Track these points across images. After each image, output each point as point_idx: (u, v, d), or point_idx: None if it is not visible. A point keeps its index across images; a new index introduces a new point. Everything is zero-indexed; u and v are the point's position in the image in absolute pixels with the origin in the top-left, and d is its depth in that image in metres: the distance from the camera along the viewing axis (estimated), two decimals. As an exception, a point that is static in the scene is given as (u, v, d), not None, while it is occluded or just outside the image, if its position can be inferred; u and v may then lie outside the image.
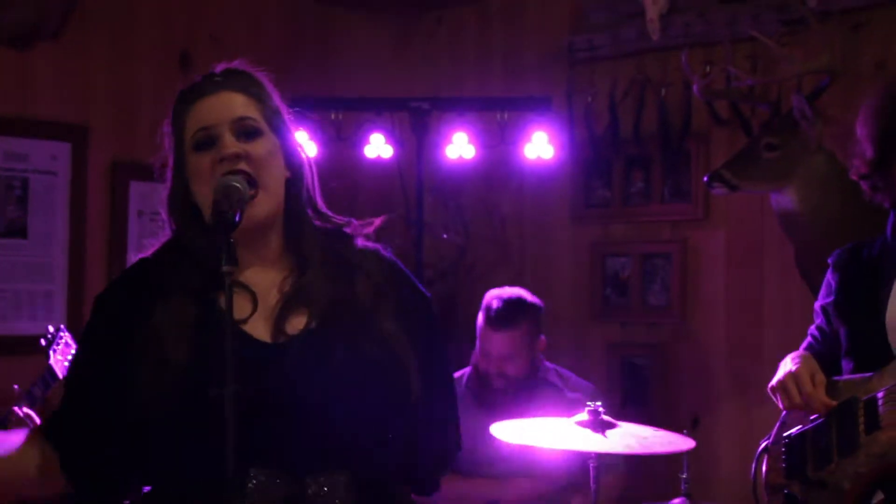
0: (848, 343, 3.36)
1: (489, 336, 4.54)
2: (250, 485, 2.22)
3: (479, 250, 5.84)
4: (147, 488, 2.39)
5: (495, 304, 4.54)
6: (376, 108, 5.25)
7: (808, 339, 3.50)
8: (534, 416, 4.14)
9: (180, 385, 2.23)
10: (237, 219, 2.19)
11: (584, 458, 3.79)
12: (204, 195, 2.32)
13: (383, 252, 2.51)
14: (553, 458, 4.34)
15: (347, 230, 2.48)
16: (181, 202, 2.38)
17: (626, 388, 5.38)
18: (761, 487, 3.36)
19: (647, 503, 4.40)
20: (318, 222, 2.46)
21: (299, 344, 2.29)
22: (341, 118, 5.20)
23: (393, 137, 5.25)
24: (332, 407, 2.24)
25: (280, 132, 2.41)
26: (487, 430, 3.88)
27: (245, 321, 2.30)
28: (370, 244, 2.50)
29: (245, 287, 2.33)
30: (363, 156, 5.27)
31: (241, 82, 2.41)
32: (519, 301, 4.56)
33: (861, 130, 3.27)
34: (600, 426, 3.64)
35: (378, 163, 5.33)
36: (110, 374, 2.32)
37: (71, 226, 5.20)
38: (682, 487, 4.17)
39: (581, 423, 3.66)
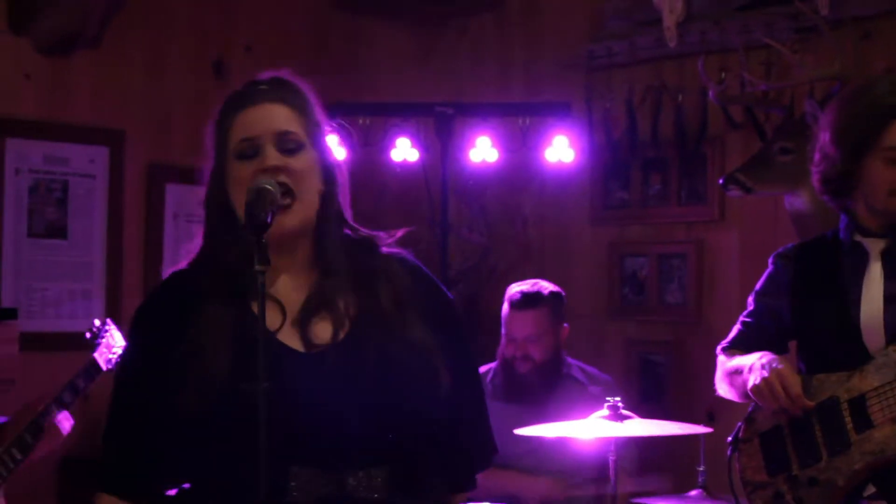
0: (806, 342, 3.34)
1: (513, 318, 4.57)
2: (292, 482, 2.23)
3: (501, 250, 5.85)
4: (187, 485, 2.40)
5: (518, 289, 4.60)
6: (402, 114, 5.26)
7: (739, 327, 3.47)
8: (557, 410, 4.16)
9: (222, 392, 2.24)
10: (269, 220, 2.20)
11: (605, 453, 3.80)
12: (241, 202, 2.31)
13: (407, 258, 2.51)
14: (577, 453, 4.35)
15: (374, 239, 2.49)
16: (218, 206, 2.39)
17: (643, 384, 5.38)
18: (738, 483, 3.34)
19: (665, 495, 4.40)
20: (347, 231, 2.46)
21: (333, 354, 2.30)
22: (368, 123, 5.20)
23: (418, 142, 5.25)
24: (367, 410, 2.26)
25: (319, 146, 2.40)
26: (513, 422, 3.89)
27: (278, 330, 2.32)
28: (394, 250, 2.50)
29: (273, 298, 2.33)
30: (390, 160, 5.27)
31: (286, 94, 2.41)
32: (540, 286, 4.62)
33: (824, 136, 3.27)
34: (619, 419, 3.66)
35: (404, 166, 5.33)
36: (154, 389, 2.32)
37: (109, 227, 5.23)
38: (699, 480, 4.18)
39: (603, 418, 3.68)
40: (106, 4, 5.09)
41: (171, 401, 2.28)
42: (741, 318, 3.49)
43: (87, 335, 3.95)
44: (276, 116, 2.37)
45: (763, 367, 3.21)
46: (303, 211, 2.34)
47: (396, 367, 2.31)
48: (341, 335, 2.33)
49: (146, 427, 2.34)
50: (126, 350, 2.46)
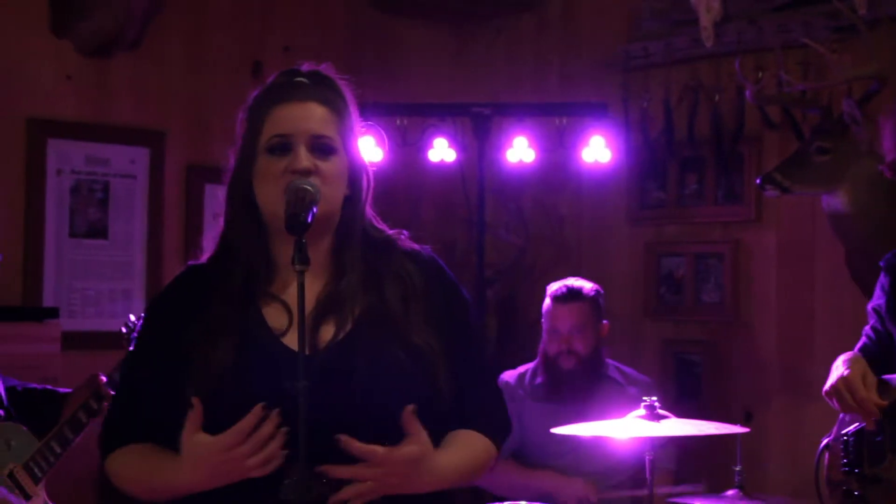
0: None
1: (556, 312, 4.56)
2: (286, 480, 2.19)
3: (538, 250, 5.82)
4: None
5: (559, 284, 4.59)
6: (439, 114, 5.24)
7: (863, 339, 3.47)
8: (596, 410, 4.14)
9: (223, 389, 2.24)
10: (309, 220, 2.19)
11: (642, 453, 3.77)
12: (266, 195, 2.32)
13: (425, 254, 2.47)
14: (615, 453, 4.33)
15: (393, 239, 2.45)
16: (241, 196, 2.37)
17: (679, 383, 5.34)
18: (823, 483, 3.33)
19: (702, 495, 4.37)
20: (370, 234, 2.43)
21: (325, 355, 2.28)
22: (406, 124, 5.19)
23: (456, 142, 5.24)
24: (357, 412, 2.22)
25: (350, 150, 2.38)
26: (553, 424, 3.87)
27: (284, 333, 2.30)
28: (415, 246, 2.47)
29: (280, 300, 2.33)
30: (427, 160, 5.26)
31: (325, 92, 2.39)
32: (581, 283, 4.61)
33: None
34: (656, 419, 3.63)
35: (441, 166, 5.32)
36: (159, 377, 2.33)
37: (149, 227, 5.24)
38: (736, 479, 4.14)
39: (639, 417, 3.65)
40: (146, 7, 5.10)
41: (174, 390, 2.28)
42: (865, 330, 3.48)
43: (123, 329, 3.96)
44: (313, 117, 2.35)
45: (835, 369, 3.21)
46: (325, 213, 2.31)
47: (391, 368, 2.28)
48: (341, 335, 2.31)
49: (148, 407, 2.34)
50: (138, 336, 2.48)
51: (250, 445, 2.18)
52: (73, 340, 4.83)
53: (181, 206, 5.35)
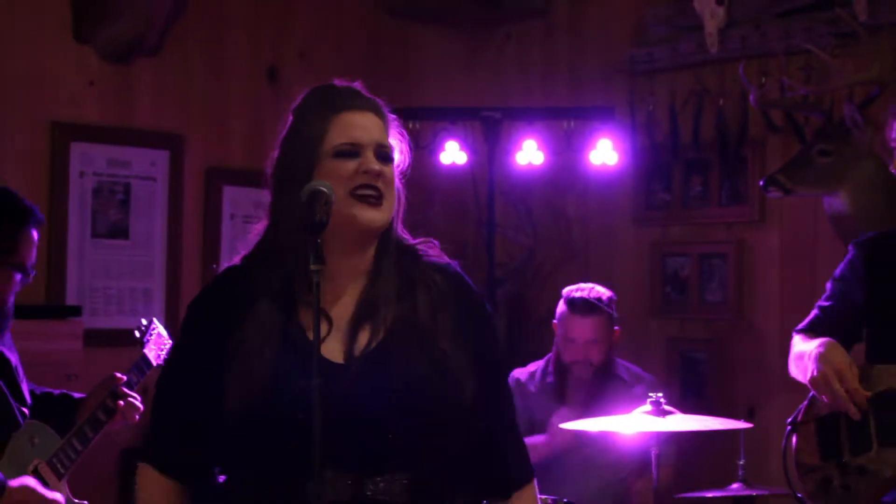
0: (876, 329, 3.32)
1: (574, 323, 4.53)
2: (313, 483, 2.21)
3: (546, 251, 5.83)
4: (223, 477, 2.42)
5: (578, 294, 4.55)
6: (451, 118, 5.27)
7: (816, 311, 3.46)
8: (603, 409, 4.15)
9: (261, 394, 2.26)
10: (325, 220, 2.22)
11: (647, 448, 3.78)
12: (339, 200, 2.31)
13: (451, 268, 2.49)
14: (621, 448, 4.33)
15: (419, 247, 2.48)
16: (294, 196, 2.31)
17: (684, 380, 5.35)
18: (792, 464, 3.32)
19: (706, 488, 4.38)
20: (400, 237, 2.46)
21: (361, 363, 2.30)
22: (418, 127, 5.21)
23: (466, 145, 5.26)
24: (387, 419, 2.25)
25: (394, 162, 2.43)
26: (560, 421, 3.89)
27: (322, 340, 2.28)
28: (441, 260, 2.49)
29: (322, 309, 2.29)
30: (439, 162, 5.28)
31: (377, 106, 2.43)
32: (598, 291, 4.58)
33: None
34: (662, 414, 3.64)
35: (453, 169, 5.34)
36: (199, 380, 2.35)
37: (169, 227, 5.26)
38: (739, 473, 4.16)
39: (645, 413, 3.67)
40: (166, 14, 5.12)
41: (214, 394, 2.30)
42: (818, 303, 3.48)
43: (136, 333, 3.99)
44: (377, 128, 2.40)
45: (819, 356, 3.19)
46: (388, 213, 2.36)
47: (422, 379, 2.30)
48: (374, 344, 2.32)
49: (189, 414, 2.37)
50: (178, 340, 2.48)
51: None
52: (94, 338, 4.85)
53: (200, 207, 5.37)
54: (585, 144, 5.18)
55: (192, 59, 5.36)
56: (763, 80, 4.87)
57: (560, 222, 5.84)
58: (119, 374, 3.81)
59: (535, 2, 5.93)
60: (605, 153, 5.17)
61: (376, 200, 2.33)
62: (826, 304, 3.46)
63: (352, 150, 2.34)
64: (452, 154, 5.24)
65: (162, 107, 5.27)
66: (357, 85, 2.47)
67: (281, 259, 2.36)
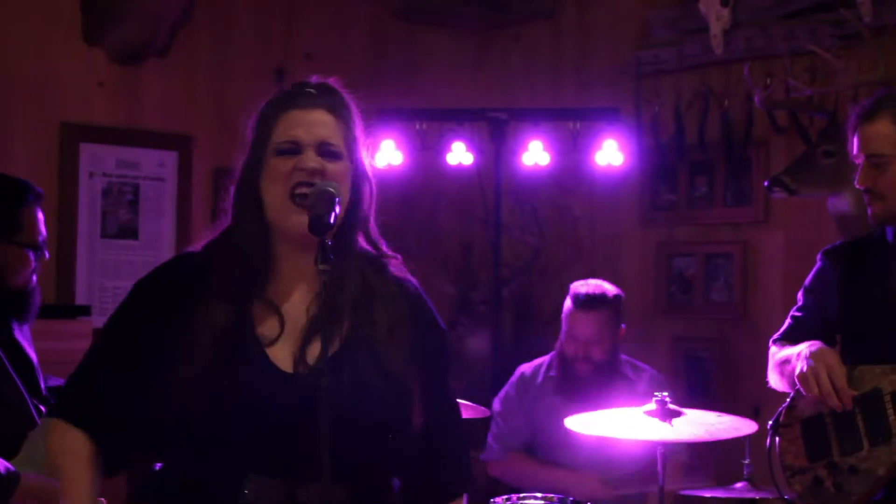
0: (851, 336, 3.32)
1: (577, 318, 4.51)
2: (246, 489, 2.23)
3: (552, 251, 5.83)
4: (158, 465, 2.40)
5: (583, 290, 4.53)
6: (457, 119, 5.26)
7: (789, 321, 3.46)
8: (608, 404, 4.13)
9: (197, 388, 2.24)
10: (331, 221, 2.20)
11: (652, 447, 3.76)
12: (272, 195, 2.31)
13: (410, 284, 2.46)
14: (624, 447, 4.32)
15: (386, 260, 2.43)
16: (248, 195, 2.35)
17: (689, 379, 5.34)
18: (778, 467, 3.31)
19: (712, 487, 4.37)
20: (366, 246, 2.42)
21: (311, 376, 2.25)
22: (425, 128, 5.21)
23: (473, 146, 5.25)
24: (334, 432, 2.18)
25: (353, 158, 2.38)
26: (563, 417, 3.87)
27: (271, 343, 2.29)
28: (402, 275, 2.45)
29: (275, 308, 2.31)
30: (446, 163, 5.27)
31: (332, 102, 2.39)
32: (604, 288, 4.56)
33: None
34: (667, 415, 3.62)
35: (459, 169, 5.33)
36: (130, 360, 2.32)
37: (177, 227, 5.26)
38: (745, 472, 4.14)
39: (650, 413, 3.64)
40: (174, 16, 5.13)
41: (142, 375, 2.29)
42: (791, 313, 3.48)
43: None
44: (321, 124, 2.35)
45: (810, 355, 3.20)
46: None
47: (370, 393, 2.27)
48: (327, 355, 2.26)
49: (113, 382, 2.33)
50: (118, 310, 2.41)
51: None
52: (104, 337, 4.86)
53: (208, 207, 5.37)
54: (591, 145, 5.18)
55: (199, 61, 5.36)
56: (768, 81, 4.86)
57: (566, 222, 5.83)
58: None
59: (542, 4, 5.93)
60: (610, 154, 5.16)
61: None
62: (799, 314, 3.46)
63: (292, 148, 2.32)
64: (459, 155, 5.24)
65: (170, 108, 5.28)
66: (329, 81, 2.43)
67: (240, 254, 2.34)
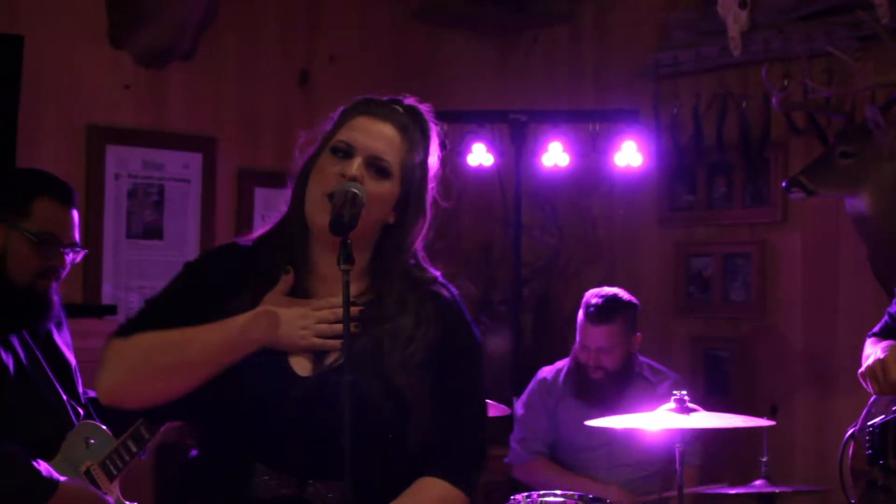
0: None
1: (588, 330, 4.51)
2: (255, 479, 2.24)
3: (572, 250, 5.82)
4: (195, 452, 2.42)
5: (594, 301, 4.50)
6: (478, 121, 5.26)
7: (886, 318, 3.45)
8: (627, 409, 4.13)
9: (229, 378, 2.26)
10: (352, 223, 2.18)
11: (671, 446, 3.76)
12: (313, 191, 2.30)
13: (449, 294, 2.41)
14: (646, 446, 4.32)
15: (431, 283, 2.40)
16: (298, 191, 2.35)
17: (708, 379, 5.33)
18: (847, 472, 3.31)
19: (730, 484, 4.37)
20: (413, 273, 2.39)
21: (324, 379, 2.27)
22: (446, 130, 5.18)
23: (493, 147, 5.25)
24: (338, 430, 2.17)
25: (408, 182, 2.34)
26: (583, 420, 3.87)
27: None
28: (442, 288, 2.40)
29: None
30: (466, 164, 5.28)
31: (406, 122, 2.37)
32: (616, 299, 4.52)
33: None
34: (686, 412, 3.62)
35: (480, 170, 5.33)
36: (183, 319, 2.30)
37: (202, 228, 5.27)
38: (762, 470, 4.14)
39: (669, 411, 3.65)
40: (199, 19, 5.14)
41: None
42: (889, 309, 3.47)
43: None
44: (382, 137, 2.33)
45: (872, 353, 3.19)
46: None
47: (368, 406, 2.23)
48: (336, 364, 2.28)
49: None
50: (164, 288, 2.41)
51: (326, 313, 2.24)
52: (130, 336, 4.87)
53: (232, 208, 5.39)
54: (610, 146, 5.17)
55: (224, 64, 5.37)
56: (786, 82, 4.85)
57: (585, 223, 5.82)
58: None
59: (562, 7, 5.93)
60: (629, 155, 5.15)
61: None
62: (894, 310, 3.45)
63: (345, 150, 2.31)
64: (480, 156, 5.24)
65: (195, 110, 5.29)
66: (407, 99, 2.41)
67: (284, 250, 2.34)
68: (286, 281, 2.30)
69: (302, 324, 2.26)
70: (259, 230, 2.44)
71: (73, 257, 3.46)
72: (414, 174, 2.36)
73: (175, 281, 2.41)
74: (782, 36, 4.98)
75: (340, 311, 2.19)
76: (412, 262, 2.40)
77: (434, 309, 2.36)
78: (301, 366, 2.30)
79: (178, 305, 2.33)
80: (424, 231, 2.40)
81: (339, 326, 2.22)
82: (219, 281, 2.33)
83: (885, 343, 3.30)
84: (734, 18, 5.07)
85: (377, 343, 2.28)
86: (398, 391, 2.27)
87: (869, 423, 3.30)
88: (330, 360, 2.29)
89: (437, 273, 2.43)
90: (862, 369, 3.24)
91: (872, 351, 3.31)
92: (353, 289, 2.24)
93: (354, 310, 2.24)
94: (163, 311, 2.33)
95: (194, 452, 2.40)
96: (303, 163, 2.38)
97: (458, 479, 2.32)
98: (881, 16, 4.57)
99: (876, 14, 4.57)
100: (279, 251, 2.35)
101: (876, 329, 3.50)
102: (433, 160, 2.41)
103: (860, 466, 3.31)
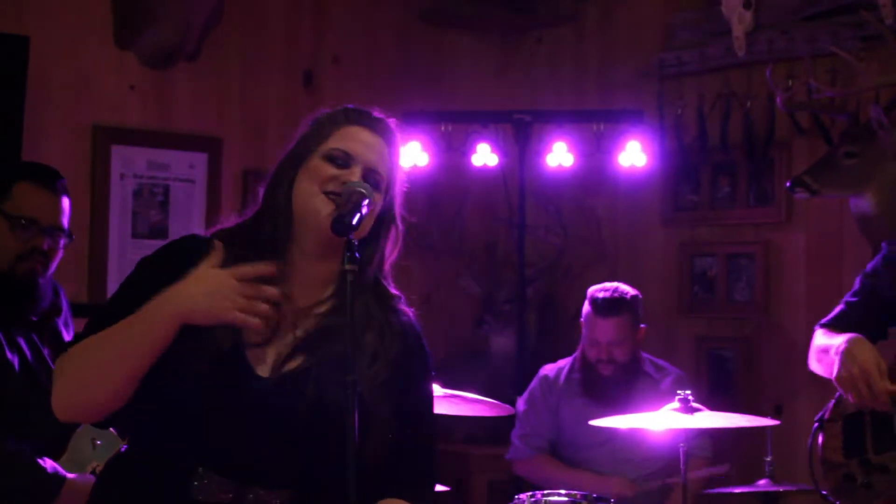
0: None
1: (597, 324, 4.50)
2: (195, 482, 2.22)
3: (576, 250, 5.81)
4: (124, 447, 2.39)
5: (601, 295, 4.51)
6: (482, 121, 5.26)
7: (842, 306, 3.44)
8: (631, 404, 4.13)
9: (165, 374, 2.21)
10: (354, 223, 2.17)
11: (675, 444, 3.76)
12: (306, 187, 2.28)
13: (412, 326, 2.39)
14: (650, 443, 4.31)
15: (393, 299, 2.38)
16: (281, 190, 2.32)
17: (712, 378, 5.33)
18: (817, 461, 3.30)
19: (734, 484, 4.36)
20: (380, 287, 2.37)
21: (280, 383, 2.24)
22: (451, 130, 5.21)
23: (498, 147, 5.25)
24: (284, 439, 2.18)
25: (390, 198, 2.36)
26: (587, 417, 3.87)
27: (258, 345, 2.25)
28: (406, 316, 2.39)
29: (276, 307, 2.24)
30: (471, 164, 5.28)
31: (390, 138, 2.37)
32: (622, 291, 4.53)
33: None
34: (690, 411, 3.62)
35: (484, 170, 5.33)
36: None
37: (206, 228, 5.25)
38: (767, 469, 4.14)
39: (673, 410, 3.64)
40: (204, 20, 5.14)
41: None
42: (845, 298, 3.46)
43: None
44: (377, 151, 2.34)
45: (845, 353, 3.16)
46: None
47: (328, 410, 2.21)
48: (300, 368, 2.25)
49: None
50: (120, 286, 2.37)
51: (258, 291, 2.16)
52: (135, 336, 4.87)
53: (237, 208, 5.33)
54: (615, 146, 5.18)
55: (229, 64, 5.37)
56: (790, 82, 4.84)
57: (589, 223, 5.82)
58: None
59: (566, 7, 5.92)
60: (634, 155, 5.16)
61: None
62: (853, 299, 3.44)
63: (343, 159, 2.30)
64: (484, 156, 5.24)
65: (200, 110, 5.29)
66: (392, 121, 2.41)
67: (256, 246, 2.31)
68: (257, 269, 2.21)
69: (225, 297, 2.16)
70: (220, 225, 2.40)
71: (61, 242, 3.43)
72: (392, 189, 2.37)
73: (127, 279, 2.37)
74: (786, 36, 4.97)
75: (263, 288, 2.17)
76: (381, 278, 2.38)
77: (398, 325, 2.35)
78: (262, 366, 2.26)
79: (127, 303, 2.25)
80: (400, 246, 2.40)
81: (264, 305, 2.17)
82: (174, 274, 2.24)
83: (846, 336, 3.25)
84: (738, 19, 5.06)
85: (342, 353, 2.20)
86: (362, 402, 2.21)
87: (844, 413, 3.28)
88: (292, 365, 2.26)
89: (401, 294, 2.41)
90: (840, 373, 3.19)
91: (830, 344, 3.28)
92: (320, 292, 2.27)
93: (272, 291, 2.20)
94: (110, 314, 2.26)
95: (124, 448, 2.37)
96: (277, 166, 2.36)
97: (419, 501, 2.32)
98: (885, 16, 4.56)
99: (880, 14, 4.56)
100: (251, 249, 2.30)
101: (827, 319, 3.48)
102: (402, 175, 2.41)
103: (832, 457, 3.28)
